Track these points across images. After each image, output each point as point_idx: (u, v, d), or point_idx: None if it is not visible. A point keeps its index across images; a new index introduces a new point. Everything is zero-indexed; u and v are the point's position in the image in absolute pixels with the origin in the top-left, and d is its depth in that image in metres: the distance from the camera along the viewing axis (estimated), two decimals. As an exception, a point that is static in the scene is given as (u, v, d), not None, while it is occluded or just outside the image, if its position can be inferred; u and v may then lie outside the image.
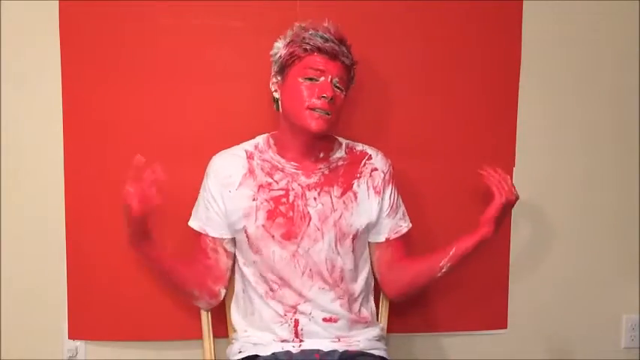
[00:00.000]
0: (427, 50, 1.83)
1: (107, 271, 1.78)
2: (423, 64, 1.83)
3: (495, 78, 1.86)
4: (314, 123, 1.46)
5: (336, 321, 1.52)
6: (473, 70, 1.85)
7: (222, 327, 1.67)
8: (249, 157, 1.56)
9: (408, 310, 1.86)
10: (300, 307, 1.52)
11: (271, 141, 1.59)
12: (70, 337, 1.81)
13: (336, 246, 1.52)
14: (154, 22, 1.74)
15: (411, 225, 1.66)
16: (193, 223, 1.61)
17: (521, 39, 1.86)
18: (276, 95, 1.55)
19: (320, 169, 1.56)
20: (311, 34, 1.49)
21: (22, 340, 1.80)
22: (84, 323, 1.80)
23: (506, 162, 1.89)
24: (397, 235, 1.62)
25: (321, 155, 1.56)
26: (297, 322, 1.51)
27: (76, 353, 1.82)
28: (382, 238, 1.61)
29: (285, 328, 1.52)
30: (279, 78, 1.53)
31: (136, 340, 1.82)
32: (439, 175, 1.86)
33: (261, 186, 1.53)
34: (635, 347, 2.02)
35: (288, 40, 1.52)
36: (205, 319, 1.65)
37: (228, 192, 1.54)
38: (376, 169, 1.60)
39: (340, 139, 1.63)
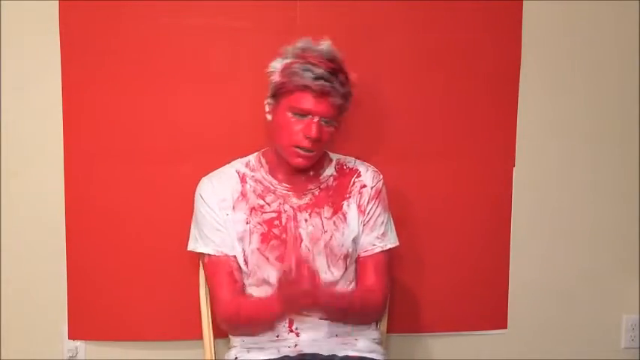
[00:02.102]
0: (427, 50, 1.83)
1: (107, 272, 1.78)
2: (422, 64, 1.83)
3: (495, 78, 1.86)
4: (296, 161, 1.46)
5: (333, 321, 1.51)
6: (473, 70, 1.85)
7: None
8: (242, 179, 1.54)
9: (408, 310, 1.86)
10: None
11: (263, 160, 1.56)
12: (70, 337, 1.81)
13: (329, 268, 1.51)
14: (154, 22, 1.74)
15: (388, 247, 1.57)
16: (208, 249, 1.52)
17: (521, 39, 1.86)
18: (269, 117, 1.51)
19: (310, 189, 1.54)
20: (303, 69, 1.40)
21: (22, 340, 1.80)
22: (84, 323, 1.80)
23: (506, 162, 1.89)
24: (366, 254, 1.55)
25: (311, 173, 1.54)
26: (291, 321, 1.49)
27: (76, 353, 1.82)
28: (357, 253, 1.56)
29: (280, 326, 1.49)
30: (271, 101, 1.49)
31: (136, 340, 1.82)
32: (439, 175, 1.86)
33: (253, 209, 1.51)
34: (635, 347, 2.02)
35: (283, 64, 1.45)
36: (205, 319, 1.65)
37: (226, 215, 1.51)
38: (365, 186, 1.56)
39: (331, 154, 1.60)
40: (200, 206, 1.54)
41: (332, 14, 1.78)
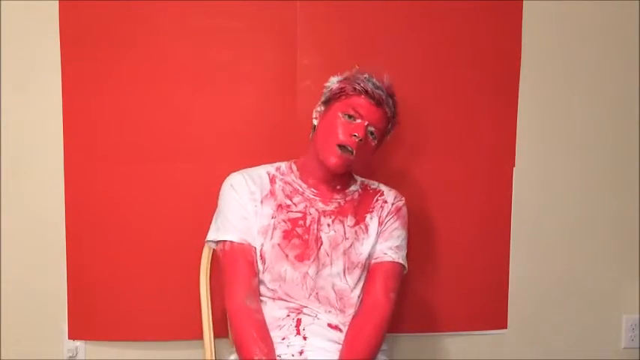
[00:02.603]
0: (427, 50, 1.83)
1: (107, 272, 1.78)
2: (422, 64, 1.83)
3: (495, 78, 1.86)
4: (333, 160, 1.49)
5: (341, 330, 1.49)
6: (473, 70, 1.85)
7: (222, 327, 1.67)
8: (272, 179, 1.57)
9: (408, 310, 1.86)
10: (306, 310, 1.50)
11: (294, 167, 1.60)
12: (70, 337, 1.81)
13: (344, 275, 1.52)
14: (154, 23, 1.74)
15: (398, 262, 1.55)
16: (232, 236, 1.51)
17: (521, 39, 1.86)
18: (315, 122, 1.57)
19: (336, 198, 1.57)
20: (365, 78, 1.52)
21: (22, 340, 1.80)
22: (84, 323, 1.80)
23: (506, 162, 1.89)
24: (376, 262, 1.55)
25: (338, 187, 1.58)
26: (299, 320, 1.48)
27: (76, 353, 1.82)
28: (369, 261, 1.56)
29: (286, 328, 1.48)
30: (322, 108, 1.56)
31: (136, 340, 1.82)
32: (439, 175, 1.86)
33: (279, 206, 1.54)
34: (635, 347, 2.02)
35: (343, 77, 1.56)
36: (206, 319, 1.65)
37: (255, 206, 1.53)
38: (386, 202, 1.60)
39: (356, 177, 1.65)
40: (229, 194, 1.54)
41: (332, 14, 1.79)
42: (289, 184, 1.57)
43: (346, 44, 1.80)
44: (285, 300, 1.50)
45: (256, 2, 1.76)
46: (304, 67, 1.78)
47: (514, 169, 1.90)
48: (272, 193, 1.55)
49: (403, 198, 1.62)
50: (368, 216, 1.57)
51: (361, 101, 1.50)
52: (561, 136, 1.93)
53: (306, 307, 1.50)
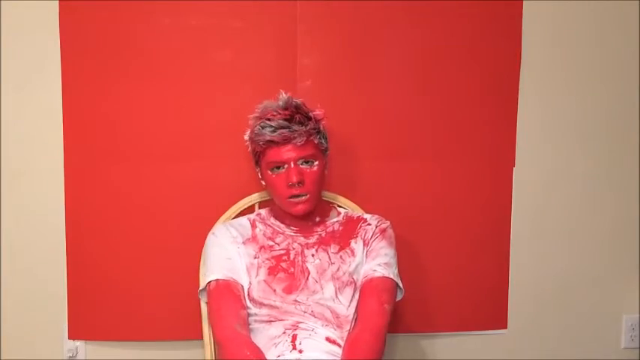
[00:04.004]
0: (427, 50, 1.83)
1: (107, 271, 1.78)
2: (422, 64, 1.83)
3: (495, 78, 1.86)
4: (296, 209, 1.50)
5: (340, 345, 1.47)
6: (473, 70, 1.84)
7: (222, 327, 1.67)
8: (253, 224, 1.59)
9: (408, 310, 1.86)
10: (302, 325, 1.48)
11: (272, 210, 1.62)
12: (70, 337, 1.81)
13: (337, 296, 1.50)
14: (154, 22, 1.74)
15: (389, 277, 1.51)
16: (217, 275, 1.50)
17: (521, 39, 1.86)
18: (263, 183, 1.57)
19: (317, 232, 1.58)
20: (262, 127, 1.48)
21: (22, 340, 1.80)
22: (84, 323, 1.80)
23: (506, 162, 1.89)
24: (365, 279, 1.51)
25: (317, 219, 1.59)
26: (295, 336, 1.46)
27: (76, 353, 1.82)
28: (359, 283, 1.53)
29: (282, 344, 1.45)
30: (257, 169, 1.57)
31: (136, 340, 1.82)
32: (439, 175, 1.86)
33: (262, 247, 1.55)
34: (635, 347, 2.02)
35: (249, 132, 1.55)
36: (206, 319, 1.65)
37: (237, 248, 1.54)
38: (369, 224, 1.59)
39: (340, 209, 1.65)
40: (211, 242, 1.56)
41: (332, 14, 1.79)
42: (270, 226, 1.59)
43: (346, 44, 1.80)
44: (281, 320, 1.48)
45: (256, 2, 1.76)
46: (304, 67, 1.78)
47: (514, 169, 1.90)
48: (253, 237, 1.56)
49: (388, 222, 1.61)
50: (352, 241, 1.57)
51: (274, 151, 1.48)
52: (561, 136, 1.93)
53: (302, 322, 1.48)
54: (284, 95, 1.51)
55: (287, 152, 1.48)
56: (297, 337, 1.46)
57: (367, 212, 1.66)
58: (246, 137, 1.57)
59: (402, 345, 1.90)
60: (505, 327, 1.95)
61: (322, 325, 1.48)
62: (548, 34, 1.89)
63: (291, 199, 1.49)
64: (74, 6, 1.72)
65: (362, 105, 1.81)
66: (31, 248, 1.79)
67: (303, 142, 1.48)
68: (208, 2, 1.75)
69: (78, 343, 1.82)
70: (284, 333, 1.47)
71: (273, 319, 1.49)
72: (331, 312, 1.49)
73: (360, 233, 1.58)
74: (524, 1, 1.85)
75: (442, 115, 1.85)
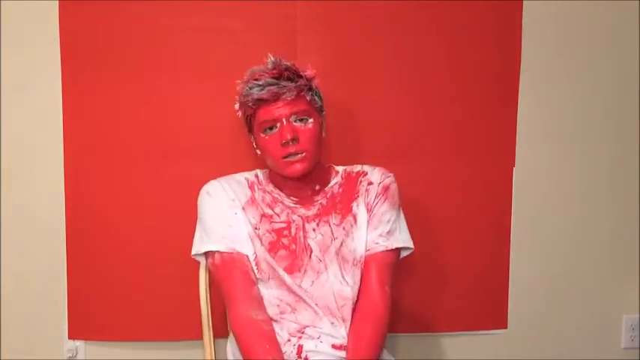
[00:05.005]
0: (427, 50, 1.82)
1: (107, 271, 1.78)
2: (422, 63, 1.83)
3: (495, 78, 1.86)
4: (293, 169, 1.41)
5: (345, 349, 1.42)
6: (473, 70, 1.84)
7: (222, 327, 1.67)
8: (251, 186, 1.51)
9: (408, 310, 1.86)
10: (308, 331, 1.43)
11: (269, 176, 1.54)
12: (70, 337, 1.81)
13: (342, 276, 1.45)
14: (153, 22, 1.74)
15: (394, 246, 1.47)
16: (218, 246, 1.43)
17: (521, 39, 1.86)
18: (259, 152, 1.50)
19: (318, 201, 1.50)
20: (250, 88, 1.42)
21: (22, 340, 1.80)
22: (84, 323, 1.80)
23: (507, 162, 1.89)
24: (368, 253, 1.46)
25: (317, 187, 1.50)
26: (300, 347, 1.41)
27: (76, 353, 1.82)
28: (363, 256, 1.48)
29: (287, 355, 1.40)
30: (252, 136, 1.50)
31: (136, 340, 1.82)
32: (439, 175, 1.86)
33: (263, 216, 1.47)
34: (635, 347, 2.02)
35: (238, 100, 1.48)
36: (205, 319, 1.65)
37: (235, 214, 1.46)
38: (371, 183, 1.51)
39: (338, 167, 1.57)
40: (207, 203, 1.48)
41: (332, 14, 1.79)
42: (269, 193, 1.50)
43: (346, 44, 1.80)
44: (285, 323, 1.43)
45: (256, 2, 1.76)
46: (304, 67, 1.78)
47: (514, 169, 1.90)
48: (253, 200, 1.49)
49: (391, 174, 1.53)
50: (354, 204, 1.49)
51: (264, 110, 1.42)
52: (561, 136, 1.93)
53: (308, 326, 1.43)
54: (272, 58, 1.45)
55: (277, 109, 1.41)
56: (303, 348, 1.41)
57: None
58: (236, 106, 1.49)
59: (402, 345, 1.90)
60: (505, 327, 1.95)
61: (329, 323, 1.42)
62: (548, 34, 1.89)
63: (287, 159, 1.41)
64: (74, 6, 1.72)
65: (362, 105, 1.81)
66: (31, 248, 1.79)
67: (293, 97, 1.40)
68: (208, 2, 1.75)
69: (78, 343, 1.82)
70: (289, 340, 1.42)
71: (276, 320, 1.43)
72: (336, 301, 1.43)
73: (360, 192, 1.50)
74: (524, 1, 1.85)
75: (442, 115, 1.85)
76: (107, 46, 1.73)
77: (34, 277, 1.79)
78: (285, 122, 1.41)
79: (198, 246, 1.48)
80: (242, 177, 1.54)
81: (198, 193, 1.55)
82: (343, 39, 1.80)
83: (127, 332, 1.81)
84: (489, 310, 1.94)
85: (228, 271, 1.44)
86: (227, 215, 1.46)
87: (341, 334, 1.43)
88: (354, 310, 1.45)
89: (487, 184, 1.89)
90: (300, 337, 1.42)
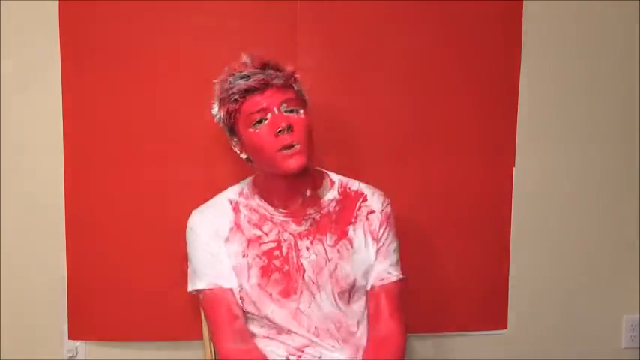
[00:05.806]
0: (427, 50, 1.82)
1: (107, 272, 1.78)
2: (422, 63, 1.83)
3: (495, 78, 1.86)
4: (289, 163, 1.33)
5: None
6: (473, 70, 1.84)
7: (222, 327, 1.67)
8: (235, 208, 1.45)
9: (408, 310, 1.86)
10: (308, 350, 1.40)
11: (256, 184, 1.47)
12: (70, 337, 1.81)
13: (336, 302, 1.41)
14: (153, 22, 1.74)
15: (402, 277, 1.46)
16: (202, 283, 1.42)
17: (521, 39, 1.86)
18: (243, 156, 1.44)
19: (310, 214, 1.43)
20: (234, 79, 1.35)
21: (22, 340, 1.80)
22: (84, 323, 1.80)
23: (506, 162, 1.89)
24: (382, 283, 1.43)
25: (308, 193, 1.43)
26: None
27: (76, 353, 1.82)
28: (369, 286, 1.45)
29: None
30: (235, 139, 1.42)
31: (136, 340, 1.82)
32: (439, 175, 1.86)
33: (250, 240, 1.41)
34: (635, 347, 2.02)
35: (217, 100, 1.41)
36: (205, 319, 1.65)
37: (218, 247, 1.42)
38: (373, 212, 1.46)
39: (333, 175, 1.51)
40: (191, 239, 1.46)
41: (332, 14, 1.79)
42: (255, 210, 1.43)
43: (346, 44, 1.80)
44: (282, 342, 1.41)
45: (256, 2, 1.76)
46: (304, 67, 1.78)
47: (514, 169, 1.90)
48: (237, 226, 1.42)
49: (388, 199, 1.50)
50: (350, 228, 1.43)
51: (253, 100, 1.34)
52: (561, 136, 1.93)
53: (308, 345, 1.40)
54: (247, 56, 1.40)
55: (267, 98, 1.33)
56: None
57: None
58: (214, 111, 1.42)
59: (402, 345, 1.90)
60: (505, 327, 1.95)
61: (329, 346, 1.40)
62: (548, 34, 1.89)
63: (283, 152, 1.32)
64: (74, 6, 1.72)
65: (362, 105, 1.81)
66: (31, 248, 1.79)
67: (282, 83, 1.34)
68: (208, 2, 1.75)
69: (78, 343, 1.82)
70: (288, 359, 1.40)
71: (273, 338, 1.42)
72: (334, 323, 1.42)
73: (359, 218, 1.44)
74: (524, 1, 1.85)
75: (442, 115, 1.85)
76: (107, 46, 1.73)
77: (34, 277, 1.79)
78: (276, 111, 1.34)
79: (191, 284, 1.47)
80: (226, 199, 1.47)
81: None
82: (343, 39, 1.80)
83: (127, 332, 1.81)
84: (489, 310, 1.94)
85: (211, 306, 1.42)
86: (210, 250, 1.43)
87: (343, 353, 1.41)
88: (353, 334, 1.43)
89: (487, 184, 1.88)
90: (299, 357, 1.41)
